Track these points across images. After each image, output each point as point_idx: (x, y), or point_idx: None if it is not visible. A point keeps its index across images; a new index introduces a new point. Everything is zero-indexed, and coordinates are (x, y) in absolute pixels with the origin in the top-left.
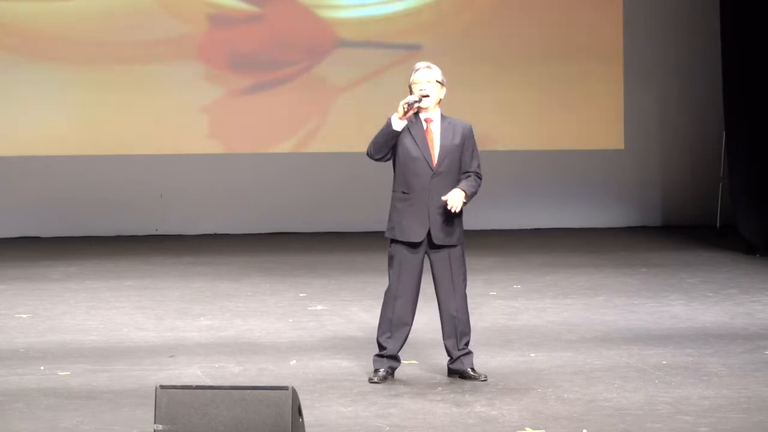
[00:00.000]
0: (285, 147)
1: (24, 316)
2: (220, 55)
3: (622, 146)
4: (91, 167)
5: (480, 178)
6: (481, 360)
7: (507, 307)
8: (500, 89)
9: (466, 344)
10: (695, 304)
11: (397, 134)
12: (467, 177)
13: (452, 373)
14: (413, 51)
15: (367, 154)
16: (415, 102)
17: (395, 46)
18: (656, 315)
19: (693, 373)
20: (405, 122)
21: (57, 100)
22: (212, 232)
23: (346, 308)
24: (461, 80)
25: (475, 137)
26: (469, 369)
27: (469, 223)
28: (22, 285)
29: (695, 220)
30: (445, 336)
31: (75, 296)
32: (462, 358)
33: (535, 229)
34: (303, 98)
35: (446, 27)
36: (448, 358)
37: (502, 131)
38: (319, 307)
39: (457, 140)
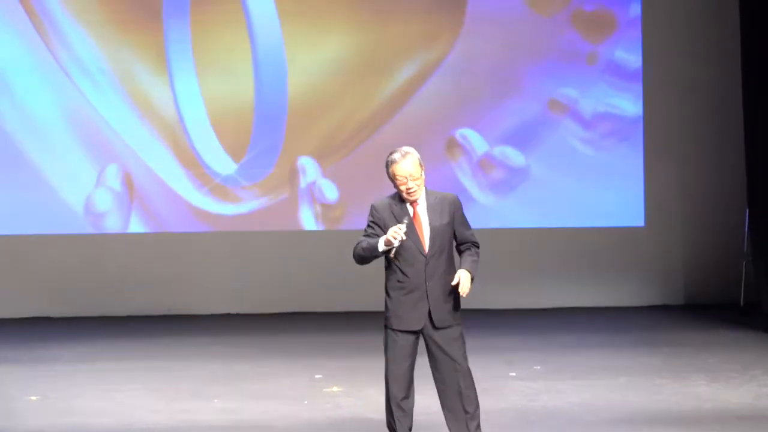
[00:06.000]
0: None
1: (34, 398)
2: None
3: (642, 223)
4: (101, 246)
5: (478, 246)
6: None
7: (527, 388)
8: (516, 164)
9: (478, 426)
10: (718, 384)
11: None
12: (467, 250)
13: None
14: None
15: (355, 260)
16: (402, 239)
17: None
18: (679, 396)
19: None
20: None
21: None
22: (226, 312)
23: (362, 390)
24: (480, 159)
25: (462, 206)
26: None
27: (487, 302)
28: (32, 366)
29: (718, 299)
30: (453, 415)
31: (86, 378)
32: None
33: (555, 308)
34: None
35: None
36: None
37: (519, 208)
38: (335, 389)
39: (446, 219)
